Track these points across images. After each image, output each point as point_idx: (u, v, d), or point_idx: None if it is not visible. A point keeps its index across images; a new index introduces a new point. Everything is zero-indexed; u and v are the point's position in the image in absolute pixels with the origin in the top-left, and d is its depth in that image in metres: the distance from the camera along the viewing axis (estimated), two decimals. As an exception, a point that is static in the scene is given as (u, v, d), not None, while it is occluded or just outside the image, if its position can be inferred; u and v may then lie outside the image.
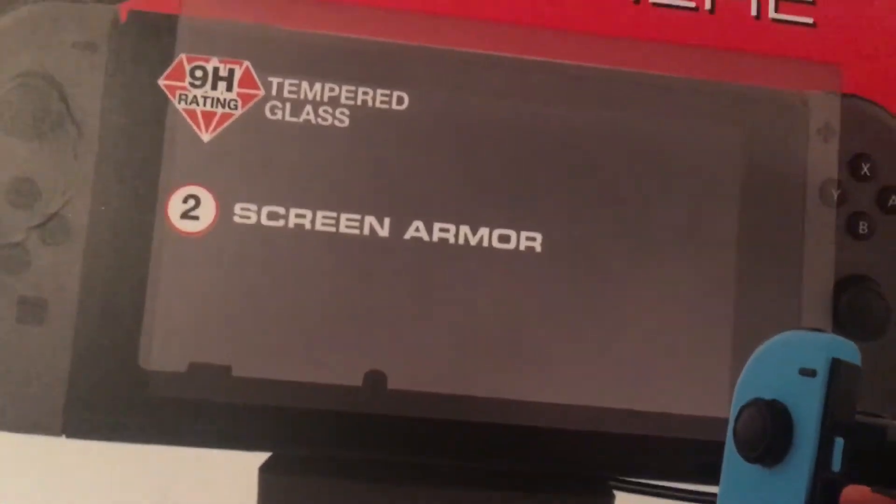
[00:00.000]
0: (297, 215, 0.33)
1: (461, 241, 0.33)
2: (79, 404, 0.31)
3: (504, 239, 0.34)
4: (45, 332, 0.31)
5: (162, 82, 0.33)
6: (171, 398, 0.32)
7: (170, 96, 0.33)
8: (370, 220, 0.33)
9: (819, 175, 0.35)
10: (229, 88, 0.33)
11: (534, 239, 0.34)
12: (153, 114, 0.33)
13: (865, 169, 0.36)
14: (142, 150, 0.32)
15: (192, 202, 0.32)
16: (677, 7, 0.36)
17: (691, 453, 0.33)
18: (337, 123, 0.33)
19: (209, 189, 0.33)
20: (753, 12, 0.36)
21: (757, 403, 0.31)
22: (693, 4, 0.36)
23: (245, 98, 0.33)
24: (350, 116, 0.33)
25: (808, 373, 0.31)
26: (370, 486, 0.33)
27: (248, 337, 0.32)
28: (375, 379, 0.32)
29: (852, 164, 0.36)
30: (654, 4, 0.35)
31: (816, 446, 0.31)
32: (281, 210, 0.33)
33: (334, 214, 0.33)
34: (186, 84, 0.33)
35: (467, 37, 0.34)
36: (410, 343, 0.33)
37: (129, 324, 0.32)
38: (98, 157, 0.32)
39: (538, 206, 0.34)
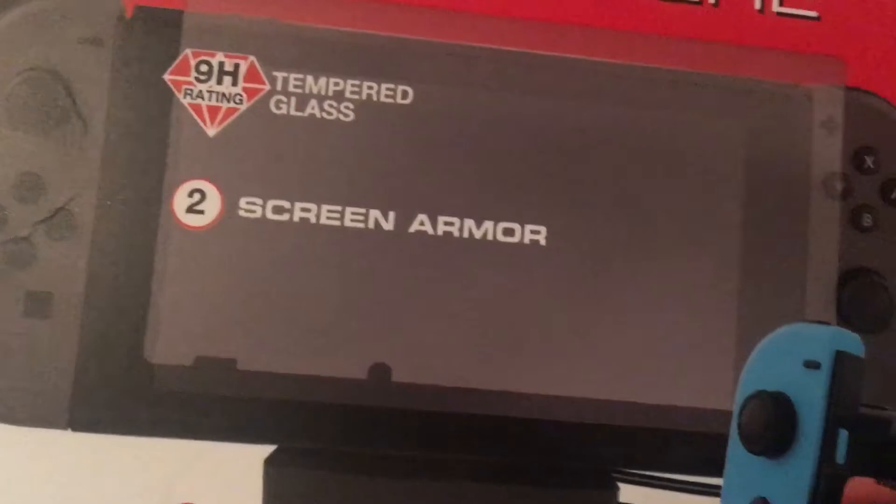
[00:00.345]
0: (303, 209, 0.33)
1: (466, 234, 0.34)
2: (85, 398, 0.32)
3: (508, 232, 0.34)
4: (51, 325, 0.32)
5: (167, 77, 0.33)
6: (177, 391, 0.32)
7: (175, 91, 0.33)
8: (375, 213, 0.33)
9: (823, 168, 0.36)
10: (234, 83, 0.33)
11: (538, 232, 0.34)
12: (159, 108, 0.33)
13: (869, 162, 0.36)
14: (147, 145, 0.33)
15: (197, 196, 0.33)
16: (681, 1, 0.36)
17: (695, 445, 0.34)
18: (342, 118, 0.34)
19: (214, 183, 0.33)
20: (757, 6, 0.36)
21: (761, 395, 0.31)
22: (697, -2, 0.36)
23: (250, 92, 0.33)
24: (355, 111, 0.34)
25: (813, 365, 0.31)
26: (375, 480, 0.33)
27: (254, 330, 0.32)
28: (380, 372, 0.33)
29: (856, 157, 0.36)
30: (658, -2, 0.36)
31: (821, 438, 0.31)
32: (286, 204, 0.33)
33: (339, 208, 0.33)
34: (192, 79, 0.33)
35: (471, 31, 0.35)
36: (415, 336, 0.33)
37: (135, 318, 0.32)
38: (104, 151, 0.33)
39: (542, 200, 0.34)
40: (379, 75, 0.34)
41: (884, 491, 0.32)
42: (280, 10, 0.34)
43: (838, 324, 0.35)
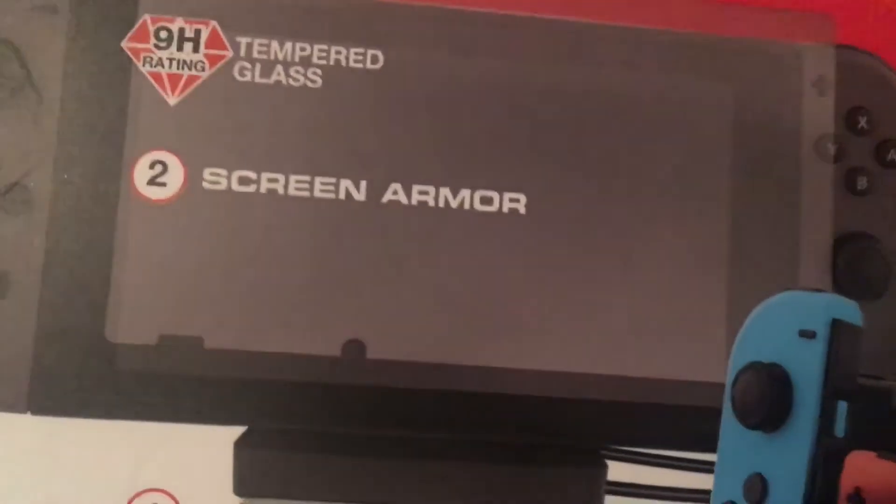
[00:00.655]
0: (270, 180, 0.32)
1: (441, 203, 0.33)
2: (44, 380, 0.31)
3: (486, 201, 0.33)
4: (7, 305, 0.31)
5: (125, 45, 0.32)
6: (141, 372, 0.31)
7: (134, 59, 0.32)
8: (346, 183, 0.32)
9: (815, 130, 0.35)
10: (196, 49, 0.32)
11: (517, 200, 0.33)
12: (117, 78, 0.32)
13: (863, 122, 0.35)
14: (105, 116, 0.32)
15: (158, 168, 0.32)
16: (663, -42, 0.35)
17: (687, 420, 0.33)
18: (309, 84, 0.33)
19: (177, 154, 0.32)
20: (742, -40, 0.35)
21: (755, 367, 0.31)
22: (680, -45, 0.35)
23: (212, 59, 0.32)
24: (323, 76, 0.33)
25: (808, 334, 0.31)
26: (351, 461, 0.32)
27: (221, 307, 0.31)
28: (354, 349, 0.32)
29: (849, 118, 0.35)
30: (639, -44, 0.35)
31: (818, 411, 0.30)
32: (252, 175, 0.32)
33: (308, 178, 0.32)
34: (151, 46, 0.32)
35: (444, -8, 0.34)
36: (390, 311, 0.32)
37: (95, 296, 0.31)
38: (60, 123, 0.32)
39: (521, 166, 0.33)
40: (347, 39, 0.33)
41: (885, 464, 0.32)
42: (243, -28, 0.33)
43: (834, 291, 0.34)
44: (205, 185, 0.32)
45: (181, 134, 0.32)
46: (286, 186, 0.32)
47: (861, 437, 0.30)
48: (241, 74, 0.32)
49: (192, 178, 0.32)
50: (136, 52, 0.32)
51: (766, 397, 0.31)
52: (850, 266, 0.34)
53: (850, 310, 0.32)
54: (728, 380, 0.31)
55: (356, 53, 0.33)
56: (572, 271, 0.33)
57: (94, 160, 0.32)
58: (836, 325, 0.31)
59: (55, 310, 0.31)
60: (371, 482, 0.32)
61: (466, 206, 0.33)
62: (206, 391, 0.31)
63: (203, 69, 0.32)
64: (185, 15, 0.32)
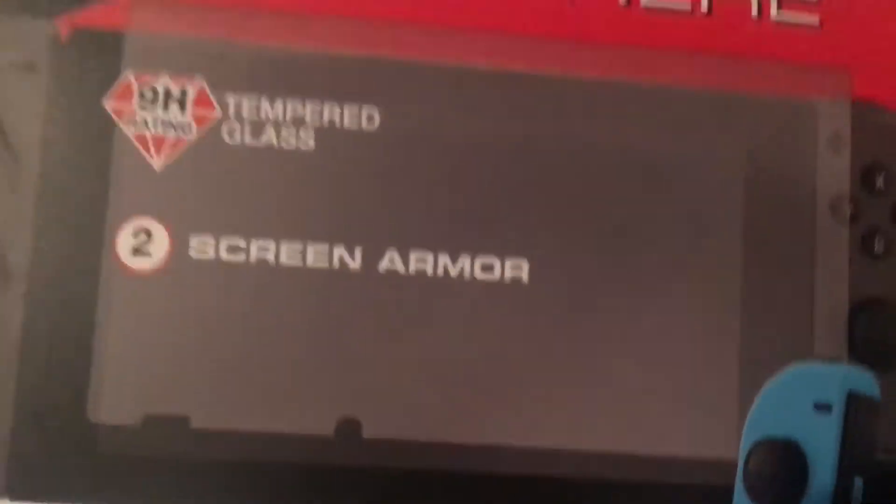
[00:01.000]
0: (260, 248, 0.31)
1: (440, 271, 0.32)
2: (23, 463, 0.30)
3: (487, 268, 0.32)
4: (-17, 385, 0.30)
5: (107, 104, 0.31)
6: (124, 454, 0.30)
7: (117, 120, 0.31)
8: (340, 250, 0.32)
9: (830, 189, 0.34)
10: (182, 110, 0.31)
11: (520, 267, 0.32)
12: (99, 140, 0.31)
13: (880, 181, 0.35)
14: (87, 181, 0.31)
15: (143, 237, 0.31)
16: (671, 10, 0.34)
17: (698, 500, 0.32)
18: (301, 146, 0.32)
19: (162, 221, 0.31)
20: (754, 13, 0.35)
21: (768, 443, 0.31)
22: (688, 6, 0.34)
23: (200, 120, 0.32)
24: (316, 137, 0.32)
25: (823, 408, 0.31)
26: (345, 545, 0.31)
27: (208, 385, 0.31)
28: (349, 427, 0.31)
29: (865, 176, 0.35)
30: (646, 8, 0.34)
31: (834, 488, 0.31)
32: (241, 242, 0.31)
33: (300, 246, 0.32)
34: (135, 106, 0.31)
35: (443, 47, 0.33)
36: (387, 387, 0.31)
37: (76, 373, 0.30)
38: (39, 189, 0.31)
39: (524, 231, 0.33)
40: (341, 97, 0.32)
41: (902, 542, 0.32)
42: (232, 28, 0.32)
43: (850, 361, 0.34)
44: (192, 253, 0.31)
45: (167, 200, 0.31)
46: (277, 255, 0.31)
47: None
48: (231, 136, 0.32)
49: (178, 246, 0.31)
50: (119, 111, 0.31)
51: (780, 475, 0.31)
52: (868, 334, 0.34)
53: (866, 382, 0.32)
54: (741, 456, 0.31)
55: (351, 112, 0.32)
56: (578, 343, 0.32)
57: (74, 228, 0.31)
58: (853, 398, 0.31)
59: (34, 388, 0.30)
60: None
61: (466, 273, 0.32)
62: (193, 474, 0.30)
63: (190, 131, 0.31)
64: (171, 70, 0.31)
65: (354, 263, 0.32)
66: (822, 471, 0.31)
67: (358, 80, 0.32)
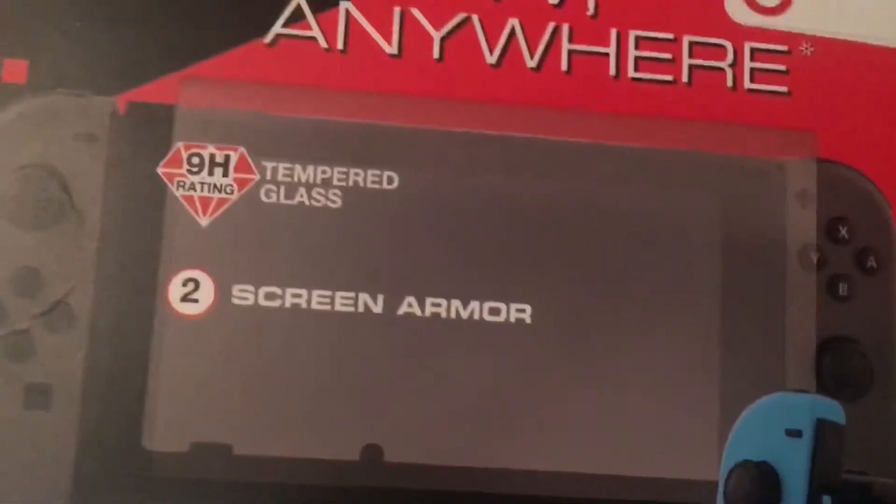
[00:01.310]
0: (294, 295, 0.35)
1: (453, 314, 0.35)
2: (85, 487, 0.33)
3: (494, 311, 0.36)
4: (51, 416, 0.33)
5: (160, 170, 0.35)
6: (175, 478, 0.33)
7: (168, 183, 0.35)
8: (364, 297, 0.35)
9: (798, 239, 0.37)
10: (225, 174, 0.35)
11: (523, 310, 0.36)
12: (152, 200, 0.35)
13: (843, 232, 0.38)
14: (142, 237, 0.34)
15: (191, 285, 0.34)
16: (655, 81, 0.38)
17: None
18: (330, 204, 0.35)
19: (208, 272, 0.35)
20: (729, 83, 0.38)
21: (745, 465, 0.33)
22: (670, 77, 0.38)
23: (241, 182, 0.35)
24: (342, 197, 0.35)
25: (795, 433, 0.33)
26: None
27: (249, 415, 0.34)
28: (373, 453, 0.34)
29: (830, 228, 0.38)
30: (633, 79, 0.38)
31: None
32: (278, 290, 0.35)
33: (329, 293, 0.35)
34: (184, 171, 0.35)
35: (453, 116, 0.36)
36: (406, 416, 0.35)
37: (132, 406, 0.33)
38: (100, 244, 0.34)
39: (526, 279, 0.36)
40: (365, 162, 0.36)
41: (869, 554, 0.34)
42: (268, 102, 0.36)
43: (818, 392, 0.36)
44: (234, 300, 0.34)
45: (212, 253, 0.35)
46: (309, 301, 0.35)
47: None
48: (268, 196, 0.35)
49: (223, 294, 0.35)
50: (171, 176, 0.35)
51: (756, 494, 0.33)
52: (834, 368, 0.37)
53: (833, 409, 0.34)
54: (721, 477, 0.33)
55: (373, 175, 0.36)
56: (576, 377, 0.36)
57: (131, 279, 0.34)
58: (821, 425, 0.33)
59: (95, 420, 0.33)
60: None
61: (476, 316, 0.35)
62: (235, 495, 0.33)
63: (232, 192, 0.35)
64: (215, 142, 0.35)
65: (377, 308, 0.35)
66: (795, 490, 0.32)
67: (378, 146, 0.36)
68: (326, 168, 0.36)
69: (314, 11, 0.36)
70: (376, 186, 0.36)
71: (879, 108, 0.39)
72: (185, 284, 0.34)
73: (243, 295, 0.35)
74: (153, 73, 0.35)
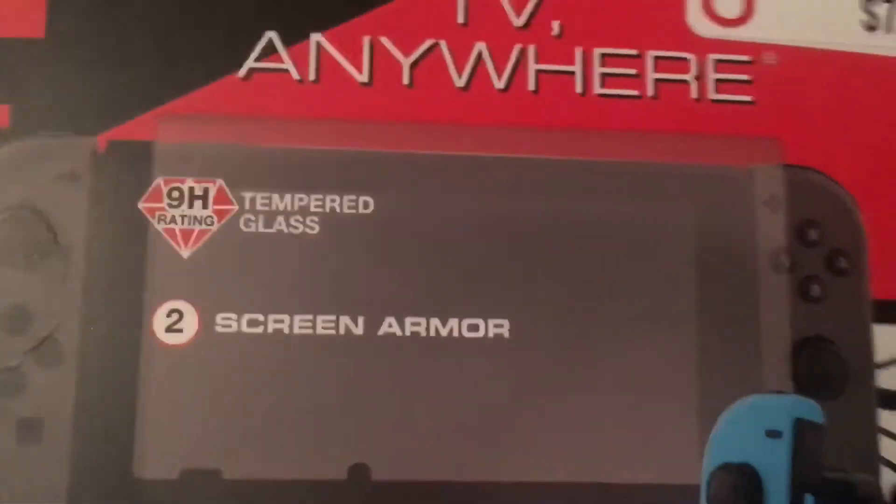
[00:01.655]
0: (276, 321, 0.36)
1: (433, 332, 0.36)
2: (79, 517, 0.34)
3: (473, 328, 0.37)
4: (42, 449, 0.34)
5: (142, 205, 0.36)
6: (166, 504, 0.35)
7: (150, 218, 0.36)
8: (345, 319, 0.36)
9: (769, 244, 0.38)
10: (205, 206, 0.36)
11: (501, 326, 0.37)
12: (135, 235, 0.36)
13: (813, 235, 0.39)
14: (126, 270, 0.36)
15: (175, 316, 0.36)
16: (621, 96, 0.39)
17: None
18: (308, 230, 0.37)
19: (191, 302, 0.36)
20: (694, 95, 0.39)
21: (727, 467, 0.34)
22: (637, 92, 0.39)
23: (220, 214, 0.37)
24: (320, 223, 0.37)
25: (774, 434, 0.34)
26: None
27: (237, 440, 0.35)
28: (359, 472, 0.35)
29: (800, 231, 0.39)
30: (600, 95, 0.39)
31: None
32: (260, 317, 0.36)
33: (310, 317, 0.36)
34: (165, 205, 0.36)
35: (425, 140, 0.38)
36: (391, 434, 0.36)
37: (122, 436, 0.35)
38: (85, 280, 0.36)
39: (503, 294, 0.37)
40: (340, 188, 0.37)
41: (854, 551, 0.35)
42: (244, 134, 0.37)
43: (795, 392, 0.37)
44: (217, 328, 0.36)
45: (194, 283, 0.36)
46: (291, 326, 0.36)
47: None
48: (247, 226, 0.37)
49: (206, 323, 0.36)
50: (152, 210, 0.36)
51: (739, 495, 0.34)
52: (810, 368, 0.37)
53: (812, 409, 0.35)
54: (703, 480, 0.35)
55: (349, 200, 0.37)
56: (554, 387, 0.37)
57: (117, 312, 0.35)
58: (800, 424, 0.34)
59: (86, 450, 0.34)
60: None
61: (455, 333, 0.37)
62: None
63: (212, 223, 0.36)
64: (194, 175, 0.37)
65: (358, 330, 0.36)
66: (777, 490, 0.33)
67: (353, 172, 0.37)
68: (303, 195, 0.37)
69: (286, 44, 0.38)
70: (352, 211, 0.37)
71: (844, 113, 0.40)
72: (169, 315, 0.36)
73: (226, 323, 0.36)
74: (131, 112, 0.37)
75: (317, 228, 0.37)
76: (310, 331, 0.36)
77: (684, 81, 0.40)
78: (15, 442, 0.34)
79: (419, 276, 0.37)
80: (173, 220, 0.36)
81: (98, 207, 0.36)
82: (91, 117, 0.37)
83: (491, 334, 0.37)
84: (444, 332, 0.37)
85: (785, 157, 0.39)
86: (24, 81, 0.37)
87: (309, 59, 0.38)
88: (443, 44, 0.39)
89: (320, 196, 0.37)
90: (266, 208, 0.37)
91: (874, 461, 0.37)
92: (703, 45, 0.40)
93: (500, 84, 0.39)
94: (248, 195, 0.37)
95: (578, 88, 0.39)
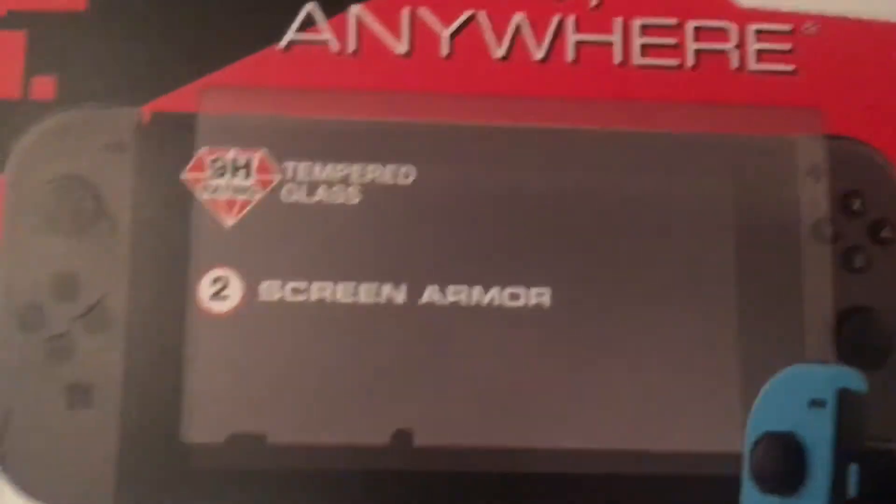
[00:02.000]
0: (319, 289, 0.37)
1: (474, 301, 0.37)
2: (128, 480, 0.35)
3: (514, 297, 0.37)
4: (92, 415, 0.35)
5: (185, 176, 0.37)
6: (213, 468, 0.35)
7: (193, 188, 0.37)
8: (387, 288, 0.37)
9: (811, 214, 0.39)
10: (247, 176, 0.37)
11: (543, 294, 0.37)
12: (179, 205, 0.37)
13: (856, 204, 0.39)
14: (171, 240, 0.37)
15: (220, 284, 0.37)
16: (661, 67, 0.40)
17: (709, 489, 0.36)
18: (350, 200, 0.38)
19: (235, 270, 0.37)
20: (735, 65, 0.40)
21: (770, 437, 0.35)
22: (676, 63, 0.40)
23: (262, 183, 0.37)
24: (362, 193, 0.38)
25: (818, 404, 0.34)
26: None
27: (281, 406, 0.36)
28: (402, 437, 0.36)
29: (843, 201, 0.39)
30: (639, 66, 0.40)
31: (832, 474, 0.34)
32: (303, 285, 0.37)
33: (353, 285, 0.37)
34: (208, 175, 0.37)
35: (464, 110, 0.38)
36: (434, 401, 0.36)
37: (169, 401, 0.36)
38: (132, 248, 0.37)
39: (545, 264, 0.38)
40: (382, 158, 0.38)
41: (897, 521, 0.35)
42: (286, 105, 0.38)
43: (838, 362, 0.37)
44: (261, 296, 0.37)
45: (238, 252, 0.37)
46: (334, 293, 0.37)
47: (873, 496, 0.34)
48: (289, 195, 0.37)
49: (250, 291, 0.37)
50: (195, 181, 0.37)
51: (782, 465, 0.34)
52: (853, 338, 0.38)
53: (855, 379, 0.35)
54: (745, 449, 0.35)
55: (390, 170, 0.38)
56: (596, 355, 0.37)
57: (162, 280, 0.36)
58: (844, 394, 0.34)
59: (135, 416, 0.36)
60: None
61: (496, 302, 0.37)
62: (271, 483, 0.35)
63: (254, 192, 0.37)
64: (237, 146, 0.38)
65: (400, 298, 0.37)
66: (820, 460, 0.34)
67: (394, 142, 0.38)
68: (344, 165, 0.38)
69: (326, 16, 0.39)
70: (393, 181, 0.38)
71: (886, 82, 0.40)
72: (214, 283, 0.37)
73: (270, 290, 0.37)
74: (175, 84, 0.38)
75: (358, 198, 0.38)
76: (352, 299, 0.37)
77: (724, 51, 0.40)
78: (64, 407, 0.35)
79: (460, 245, 0.38)
80: (216, 190, 0.37)
81: (143, 177, 0.37)
82: (135, 89, 0.38)
83: (532, 303, 0.37)
84: (485, 301, 0.37)
85: (827, 128, 0.40)
86: (69, 54, 0.38)
87: (348, 30, 0.39)
88: (481, 14, 0.39)
89: (362, 166, 0.38)
90: (307, 178, 0.38)
91: (918, 430, 0.37)
92: (744, 15, 0.40)
93: (539, 55, 0.39)
94: (289, 165, 0.38)
95: (618, 59, 0.40)
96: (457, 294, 0.37)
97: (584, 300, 0.38)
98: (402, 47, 0.39)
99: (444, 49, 0.39)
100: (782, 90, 0.40)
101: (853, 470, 0.34)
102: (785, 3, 0.41)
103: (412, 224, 0.38)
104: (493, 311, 0.37)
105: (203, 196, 0.37)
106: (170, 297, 0.36)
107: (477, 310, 0.37)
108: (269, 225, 0.37)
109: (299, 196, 0.37)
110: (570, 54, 0.39)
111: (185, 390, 0.36)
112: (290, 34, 0.39)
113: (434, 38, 0.39)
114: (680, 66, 0.40)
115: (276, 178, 0.38)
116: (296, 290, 0.37)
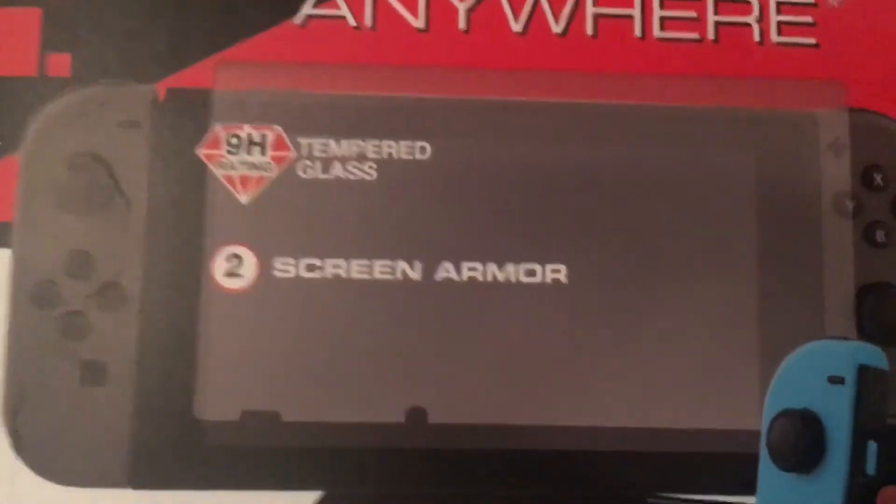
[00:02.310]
0: (334, 265, 0.37)
1: (489, 278, 0.37)
2: (142, 457, 0.35)
3: (530, 273, 0.37)
4: (106, 392, 0.36)
5: (200, 152, 0.37)
6: (227, 445, 0.35)
7: (208, 164, 0.37)
8: (402, 264, 0.37)
9: (833, 189, 0.38)
10: (263, 152, 0.37)
11: (559, 271, 0.37)
12: (194, 181, 0.37)
13: (878, 179, 0.38)
14: (186, 217, 0.37)
15: (234, 261, 0.37)
16: (682, 40, 0.39)
17: (726, 466, 0.36)
18: (365, 177, 0.37)
19: (250, 247, 0.37)
20: (756, 38, 0.39)
21: (788, 413, 0.34)
22: (697, 35, 0.39)
23: (278, 160, 0.37)
24: (377, 169, 0.37)
25: (837, 380, 0.34)
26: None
27: (295, 383, 0.36)
28: (417, 415, 0.36)
29: (865, 176, 0.39)
30: (659, 39, 0.39)
31: (850, 451, 0.33)
32: (318, 262, 0.37)
33: (368, 262, 0.37)
34: (223, 152, 0.37)
35: (481, 85, 0.38)
36: (448, 378, 0.36)
37: (183, 378, 0.36)
38: (146, 225, 0.37)
39: (561, 240, 0.37)
40: (397, 134, 0.38)
41: (917, 498, 0.34)
42: (301, 81, 0.38)
43: (859, 338, 0.37)
44: (276, 273, 0.37)
45: (253, 229, 0.37)
46: (349, 270, 0.37)
47: (892, 474, 0.33)
48: (304, 172, 0.37)
49: (265, 268, 0.37)
50: (210, 157, 0.37)
51: (800, 441, 0.33)
52: (874, 314, 0.37)
53: (875, 355, 0.34)
54: (764, 426, 0.34)
55: (406, 146, 0.38)
56: (613, 332, 0.37)
57: (177, 257, 0.36)
58: (863, 371, 0.34)
59: (149, 393, 0.36)
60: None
61: (512, 278, 0.37)
62: (285, 460, 0.36)
63: (270, 169, 0.37)
64: (252, 122, 0.37)
65: (415, 274, 0.37)
66: (839, 437, 0.33)
67: (410, 118, 0.38)
68: (360, 141, 0.37)
69: (341, -9, 0.39)
70: (409, 157, 0.37)
71: (910, 55, 0.40)
72: (228, 260, 0.37)
73: (285, 268, 0.37)
74: (190, 60, 0.38)
75: (374, 174, 0.37)
76: (367, 276, 0.37)
77: (746, 24, 0.39)
78: (79, 384, 0.36)
79: (476, 221, 0.37)
80: (232, 166, 0.37)
81: (158, 154, 0.37)
82: (150, 65, 0.38)
83: (548, 279, 0.37)
84: (500, 277, 0.37)
85: (849, 101, 0.39)
86: (84, 31, 0.38)
87: (365, 5, 0.39)
88: (499, -12, 0.39)
89: (377, 142, 0.37)
90: (323, 154, 0.37)
91: (940, 408, 0.37)
92: (766, -13, 0.40)
93: (557, 28, 0.39)
94: (305, 141, 0.37)
95: (637, 32, 0.39)
96: (472, 270, 0.37)
97: (601, 277, 0.37)
98: (419, 22, 0.39)
99: (462, 23, 0.39)
100: (804, 63, 0.39)
101: (872, 447, 0.33)
102: (807, -25, 0.40)
103: (427, 200, 0.37)
104: (508, 287, 0.37)
105: (218, 172, 0.37)
106: (184, 274, 0.36)
107: (492, 286, 0.37)
108: (285, 201, 0.37)
109: (314, 172, 0.37)
110: (589, 28, 0.39)
111: (199, 367, 0.36)
112: (307, 9, 0.38)
113: (451, 13, 0.39)
114: (701, 39, 0.39)
115: (292, 154, 0.37)
116: (310, 267, 0.37)
